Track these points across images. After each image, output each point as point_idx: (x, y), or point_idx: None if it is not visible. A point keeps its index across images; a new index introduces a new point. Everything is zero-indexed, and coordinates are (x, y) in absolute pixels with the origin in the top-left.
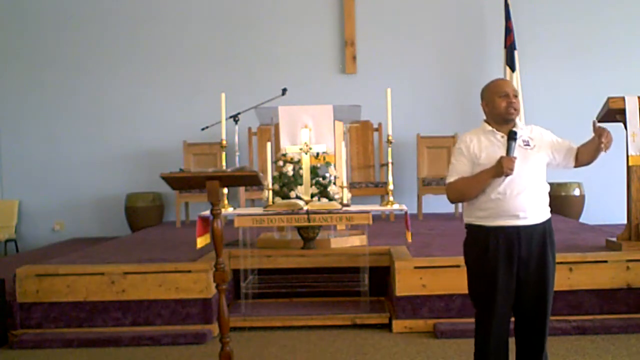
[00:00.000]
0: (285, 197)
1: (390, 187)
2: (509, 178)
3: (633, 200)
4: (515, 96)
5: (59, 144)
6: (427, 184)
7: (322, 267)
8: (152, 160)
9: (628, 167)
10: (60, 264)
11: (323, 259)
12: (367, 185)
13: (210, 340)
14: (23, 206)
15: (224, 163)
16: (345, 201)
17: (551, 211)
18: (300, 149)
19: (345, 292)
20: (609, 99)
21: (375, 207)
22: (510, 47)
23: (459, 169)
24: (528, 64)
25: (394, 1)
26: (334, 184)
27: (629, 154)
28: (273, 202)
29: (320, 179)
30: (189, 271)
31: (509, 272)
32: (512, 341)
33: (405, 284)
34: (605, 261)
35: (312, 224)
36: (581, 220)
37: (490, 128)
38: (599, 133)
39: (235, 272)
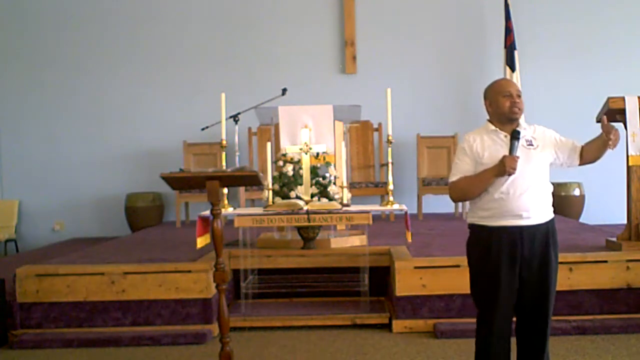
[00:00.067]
0: (285, 197)
1: (390, 187)
2: (512, 178)
3: (633, 200)
4: (519, 96)
5: (59, 144)
6: (427, 184)
7: (322, 267)
8: (152, 160)
9: (628, 167)
10: (60, 264)
11: (323, 259)
12: (367, 185)
13: (210, 340)
14: (23, 206)
15: (224, 163)
16: (345, 201)
17: (554, 211)
18: (300, 149)
19: (345, 292)
20: (609, 99)
21: (375, 207)
22: (510, 47)
23: (461, 168)
24: (528, 64)
25: (394, 1)
26: (334, 184)
27: (629, 154)
28: (273, 202)
29: (320, 179)
30: (189, 271)
31: (512, 272)
32: (513, 341)
33: (405, 284)
34: (605, 261)
35: (312, 224)
36: (581, 220)
37: (493, 127)
38: (607, 130)
39: (235, 272)
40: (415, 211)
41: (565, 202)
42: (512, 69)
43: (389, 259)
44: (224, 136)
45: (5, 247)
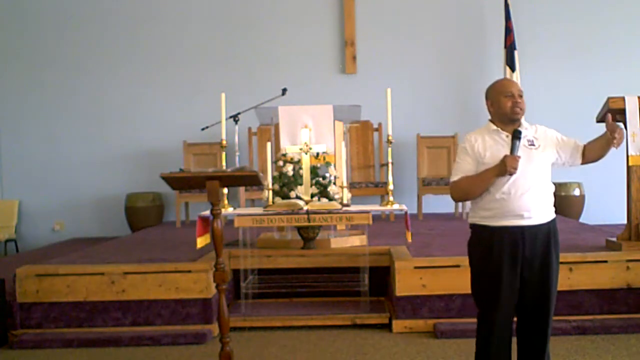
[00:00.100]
0: (285, 197)
1: (390, 187)
2: (513, 178)
3: (633, 200)
4: (521, 96)
5: (59, 144)
6: (427, 184)
7: (322, 267)
8: (152, 160)
9: (628, 167)
10: (60, 264)
11: (323, 259)
12: (367, 185)
13: (210, 340)
14: (23, 206)
15: (224, 163)
16: (345, 201)
17: (555, 211)
18: (300, 149)
19: (345, 292)
20: (609, 99)
21: (375, 207)
22: (510, 47)
23: (463, 168)
24: (528, 64)
25: (394, 1)
26: (334, 184)
27: (629, 154)
28: (273, 202)
29: (320, 179)
30: (189, 271)
31: (513, 271)
32: (513, 341)
33: (405, 284)
34: (605, 261)
35: (312, 224)
36: (581, 220)
37: (495, 127)
38: (612, 129)
39: (235, 272)
40: (415, 211)
41: (565, 202)
42: (512, 69)
43: (389, 259)
44: (224, 136)
45: (5, 247)
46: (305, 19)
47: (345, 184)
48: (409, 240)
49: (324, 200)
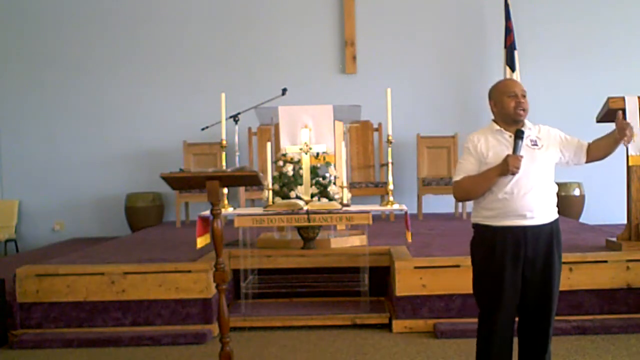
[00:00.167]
0: (285, 197)
1: (390, 187)
2: (515, 178)
3: (633, 200)
4: (524, 96)
5: (59, 144)
6: (427, 184)
7: (322, 267)
8: (152, 160)
9: (628, 167)
10: (60, 264)
11: (323, 259)
12: (367, 185)
13: (210, 340)
14: (23, 206)
15: (224, 163)
16: (345, 201)
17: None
18: (300, 149)
19: (345, 292)
20: (609, 99)
21: (375, 207)
22: (510, 47)
23: (465, 168)
24: (528, 64)
25: (394, 1)
26: (334, 184)
27: (629, 154)
28: (273, 202)
29: (320, 179)
30: (189, 271)
31: (515, 271)
32: (514, 341)
33: (405, 284)
34: (605, 261)
35: (312, 224)
36: (581, 220)
37: (498, 127)
38: (623, 126)
39: (235, 272)
40: (415, 211)
41: (565, 202)
42: (512, 69)
43: (389, 259)
44: (224, 136)
45: (5, 247)
46: (305, 19)
47: (345, 184)
48: (409, 240)
49: (324, 200)
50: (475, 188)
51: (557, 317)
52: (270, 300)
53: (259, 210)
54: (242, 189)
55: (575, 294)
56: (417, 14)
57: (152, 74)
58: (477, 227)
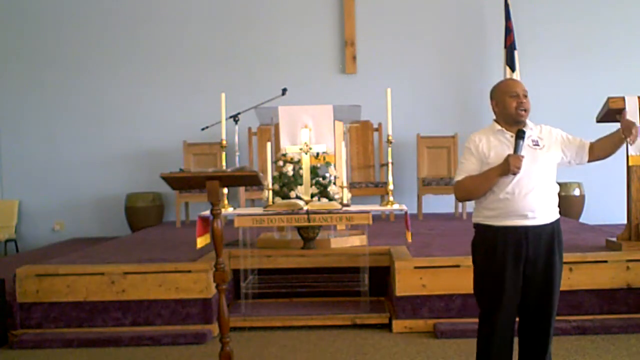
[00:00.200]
0: (285, 197)
1: (390, 187)
2: (517, 178)
3: (633, 200)
4: (525, 96)
5: (59, 144)
6: (427, 184)
7: (322, 267)
8: (152, 160)
9: (628, 167)
10: (60, 264)
11: (323, 259)
12: (367, 185)
13: (210, 340)
14: (23, 206)
15: (224, 163)
16: (345, 201)
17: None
18: (300, 149)
19: (345, 292)
20: (609, 99)
21: (375, 207)
22: (510, 47)
23: (467, 168)
24: (528, 64)
25: (394, 1)
26: (334, 184)
27: (629, 154)
28: (273, 202)
29: (320, 179)
30: (189, 271)
31: (516, 271)
32: (515, 341)
33: (405, 284)
34: (605, 261)
35: (312, 224)
36: (581, 220)
37: (499, 127)
38: (628, 125)
39: (235, 272)
40: (415, 211)
41: (565, 202)
42: (512, 69)
43: (389, 259)
44: (224, 136)
45: (5, 247)
46: (305, 19)
47: (345, 184)
48: (409, 240)
49: (324, 200)
50: (476, 188)
51: (557, 317)
52: (270, 300)
53: (259, 210)
54: (242, 189)
55: (575, 294)
56: (417, 14)
57: (152, 74)
58: (478, 226)
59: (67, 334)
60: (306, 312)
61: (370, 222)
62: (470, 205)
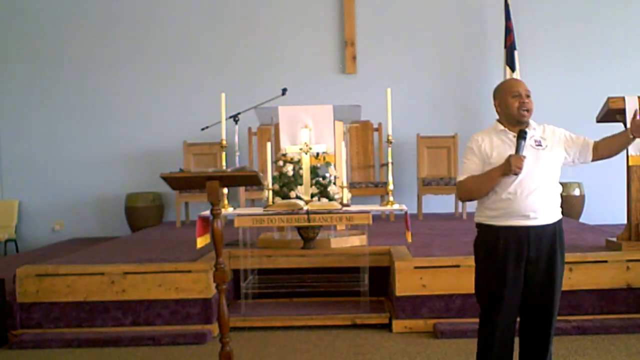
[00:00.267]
0: (285, 197)
1: (390, 187)
2: (519, 178)
3: (633, 200)
4: (528, 96)
5: (59, 144)
6: (427, 184)
7: (322, 267)
8: (152, 160)
9: (628, 167)
10: (60, 264)
11: (323, 259)
12: (367, 185)
13: (210, 340)
14: (23, 206)
15: (224, 163)
16: (345, 201)
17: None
18: (300, 149)
19: (345, 292)
20: (609, 99)
21: (375, 207)
22: (510, 47)
23: (469, 168)
24: (528, 64)
25: (394, 1)
26: (334, 184)
27: (629, 154)
28: (273, 202)
29: (320, 179)
30: (189, 271)
31: (517, 272)
32: (515, 341)
33: (405, 284)
34: (605, 261)
35: (312, 224)
36: (581, 220)
37: (502, 127)
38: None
39: (235, 272)
40: (415, 211)
41: (565, 202)
42: (512, 69)
43: (389, 259)
44: (224, 136)
45: (5, 247)
46: (305, 19)
47: (345, 184)
48: (409, 240)
49: (324, 200)
50: (478, 188)
51: (557, 317)
52: (270, 300)
53: (259, 210)
54: (242, 189)
55: (575, 294)
56: (417, 14)
57: (152, 74)
58: (480, 226)
59: (67, 334)
60: (306, 312)
61: (370, 222)
62: (470, 206)
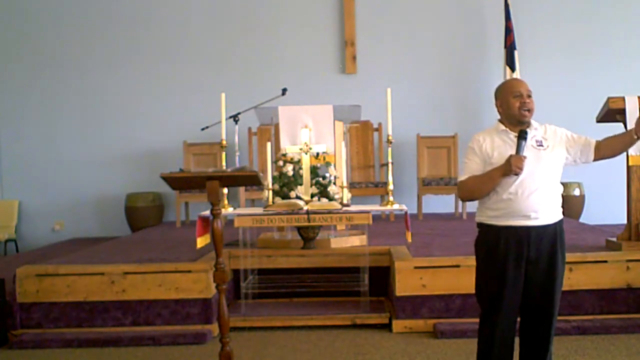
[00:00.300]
0: (285, 197)
1: (390, 187)
2: (520, 178)
3: (633, 200)
4: (529, 96)
5: (59, 144)
6: (427, 184)
7: (322, 267)
8: (152, 160)
9: (628, 167)
10: (60, 264)
11: (323, 259)
12: (367, 185)
13: (210, 340)
14: (23, 206)
15: (224, 163)
16: (345, 201)
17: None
18: (300, 149)
19: (345, 292)
20: (609, 99)
21: (375, 207)
22: (510, 47)
23: (470, 168)
24: (528, 64)
25: (394, 1)
26: (334, 184)
27: (629, 154)
28: (273, 202)
29: (320, 179)
30: (189, 271)
31: (518, 272)
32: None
33: (405, 284)
34: (605, 261)
35: (312, 224)
36: (581, 220)
37: (503, 128)
38: None
39: (235, 272)
40: (415, 211)
41: (565, 202)
42: (512, 69)
43: (389, 259)
44: (224, 136)
45: (5, 247)
46: (305, 19)
47: (345, 184)
48: (409, 240)
49: (324, 200)
50: (479, 188)
51: (557, 317)
52: (270, 300)
53: (259, 210)
54: (242, 189)
55: (575, 294)
56: (417, 14)
57: (152, 74)
58: (481, 226)
59: (67, 334)
60: (306, 312)
61: (370, 222)
62: (470, 206)
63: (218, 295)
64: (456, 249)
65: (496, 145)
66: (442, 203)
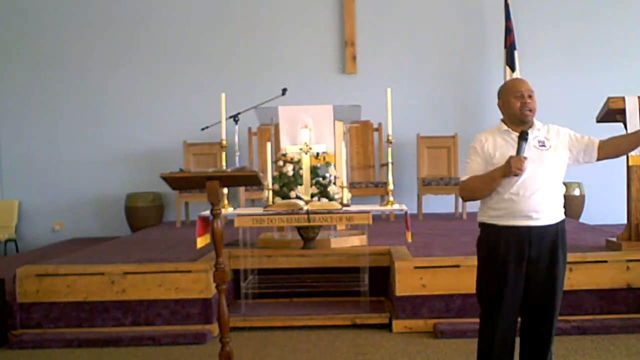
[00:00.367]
0: (285, 197)
1: (390, 187)
2: (522, 178)
3: (633, 200)
4: (530, 96)
5: (59, 144)
6: (427, 184)
7: (322, 267)
8: (152, 160)
9: (628, 167)
10: (60, 264)
11: (323, 259)
12: (367, 185)
13: (210, 340)
14: (23, 206)
15: (224, 163)
16: (345, 201)
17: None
18: (300, 149)
19: (345, 292)
20: (609, 99)
21: (375, 207)
22: (510, 47)
23: (472, 168)
24: (528, 64)
25: (394, 1)
26: (334, 184)
27: (629, 154)
28: (273, 202)
29: (320, 179)
30: (189, 271)
31: (519, 271)
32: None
33: (405, 284)
34: (605, 261)
35: (312, 224)
36: (581, 220)
37: (505, 128)
38: None
39: (235, 272)
40: (415, 211)
41: (565, 202)
42: (512, 69)
43: (389, 259)
44: (224, 136)
45: (5, 247)
46: (305, 19)
47: (345, 184)
48: (409, 240)
49: (324, 200)
50: (480, 188)
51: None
52: (270, 300)
53: (259, 210)
54: (242, 189)
55: (575, 294)
56: (417, 14)
57: (152, 74)
58: (483, 226)
59: (67, 334)
60: (306, 312)
61: (370, 222)
62: (470, 206)
63: (218, 295)
64: (456, 249)
65: (498, 145)
66: (442, 203)
